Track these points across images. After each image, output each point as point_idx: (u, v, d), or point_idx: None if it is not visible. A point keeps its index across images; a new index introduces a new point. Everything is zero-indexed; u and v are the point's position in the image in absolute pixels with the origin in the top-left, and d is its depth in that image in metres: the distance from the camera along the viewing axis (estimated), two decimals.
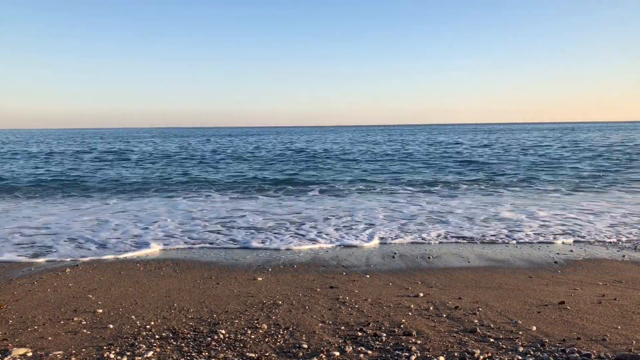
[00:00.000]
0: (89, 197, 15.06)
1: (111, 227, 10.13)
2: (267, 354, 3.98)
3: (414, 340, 4.22)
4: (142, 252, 8.08)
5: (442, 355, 3.87)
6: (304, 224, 10.18)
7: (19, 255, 7.84)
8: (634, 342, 4.11)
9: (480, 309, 5.03)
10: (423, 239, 8.88)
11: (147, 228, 9.97)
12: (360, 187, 16.66)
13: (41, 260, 7.58)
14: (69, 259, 7.62)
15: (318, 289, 5.90)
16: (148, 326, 4.66)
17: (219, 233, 9.50)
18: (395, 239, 8.89)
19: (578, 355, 3.82)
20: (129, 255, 7.94)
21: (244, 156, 33.61)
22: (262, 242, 8.64)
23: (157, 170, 24.31)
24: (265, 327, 4.60)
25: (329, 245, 8.48)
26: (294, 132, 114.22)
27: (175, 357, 3.93)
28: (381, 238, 8.92)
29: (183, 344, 4.19)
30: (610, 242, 8.48)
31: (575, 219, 10.48)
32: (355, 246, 8.43)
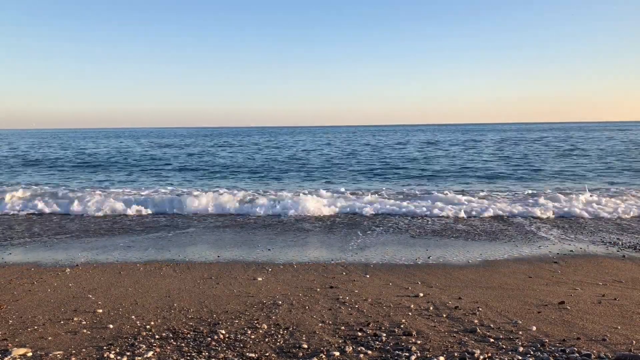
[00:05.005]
0: None
1: None
2: (267, 354, 3.98)
3: (414, 340, 4.21)
4: None
5: (442, 355, 3.87)
6: None
7: None
8: (634, 342, 4.11)
9: (480, 309, 5.03)
10: None
11: None
12: None
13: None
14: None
15: (318, 289, 5.90)
16: (148, 326, 4.65)
17: None
18: None
19: (578, 355, 3.82)
20: None
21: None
22: None
23: None
24: (265, 327, 4.60)
25: None
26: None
27: (175, 357, 3.93)
28: None
29: (183, 344, 4.19)
30: (610, 242, 8.49)
31: None
32: None
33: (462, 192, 14.40)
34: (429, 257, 7.55)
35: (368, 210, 11.73)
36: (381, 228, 9.99)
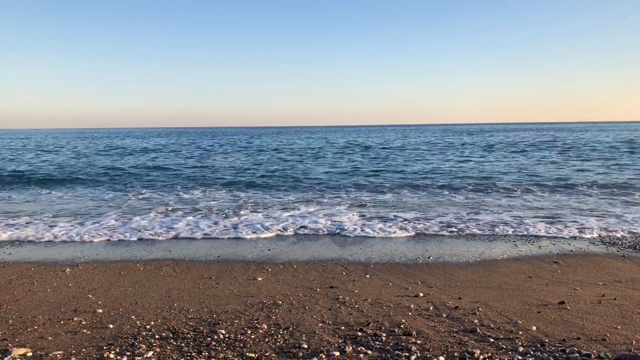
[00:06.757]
0: None
1: None
2: (267, 354, 3.98)
3: (414, 340, 4.21)
4: None
5: (442, 355, 3.87)
6: None
7: None
8: (634, 342, 4.11)
9: (480, 309, 5.03)
10: None
11: None
12: None
13: None
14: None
15: (318, 289, 5.90)
16: (148, 326, 4.66)
17: None
18: None
19: (578, 355, 3.82)
20: None
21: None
22: None
23: None
24: (265, 327, 4.60)
25: None
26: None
27: (175, 357, 3.93)
28: None
29: (183, 344, 4.19)
30: (611, 242, 8.48)
31: None
32: None
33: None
34: (429, 257, 7.55)
35: None
36: None
